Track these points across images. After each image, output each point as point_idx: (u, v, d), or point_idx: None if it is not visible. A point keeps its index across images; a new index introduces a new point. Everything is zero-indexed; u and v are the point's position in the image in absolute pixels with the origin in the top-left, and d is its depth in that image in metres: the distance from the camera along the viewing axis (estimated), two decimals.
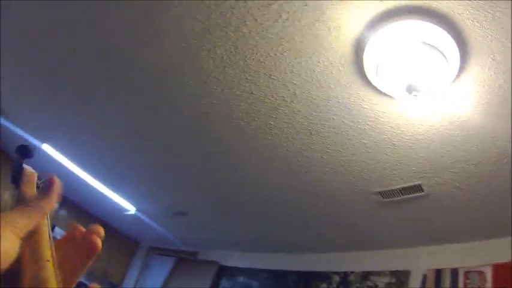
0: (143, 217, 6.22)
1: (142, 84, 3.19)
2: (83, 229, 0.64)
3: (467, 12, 2.00)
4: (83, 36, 2.85)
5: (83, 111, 3.85)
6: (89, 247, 0.70)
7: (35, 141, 4.56)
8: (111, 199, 5.72)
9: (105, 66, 3.11)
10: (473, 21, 2.04)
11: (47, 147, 4.66)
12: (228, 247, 6.61)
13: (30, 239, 0.60)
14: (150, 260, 7.47)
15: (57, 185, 0.66)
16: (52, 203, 0.63)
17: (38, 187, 0.76)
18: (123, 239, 7.53)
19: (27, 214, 0.59)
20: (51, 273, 0.59)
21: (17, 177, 0.82)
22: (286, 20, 2.27)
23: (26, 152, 0.85)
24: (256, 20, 2.32)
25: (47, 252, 0.62)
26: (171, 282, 6.80)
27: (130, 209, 5.97)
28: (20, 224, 0.57)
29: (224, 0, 2.24)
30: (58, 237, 0.88)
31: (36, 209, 0.61)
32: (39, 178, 0.83)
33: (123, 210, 6.04)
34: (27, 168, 0.81)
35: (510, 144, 2.78)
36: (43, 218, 0.63)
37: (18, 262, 0.56)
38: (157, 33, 2.61)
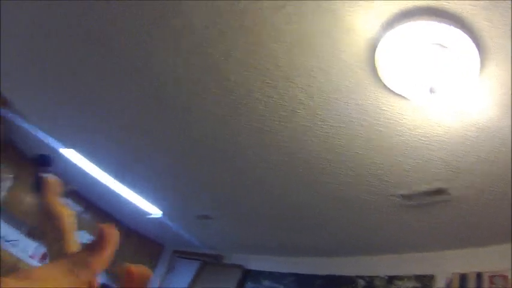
0: (168, 220, 6.25)
1: (161, 88, 3.22)
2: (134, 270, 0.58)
3: (480, 13, 1.98)
4: (97, 40, 2.90)
5: (106, 114, 3.90)
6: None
7: (58, 145, 4.63)
8: (135, 203, 5.77)
9: (126, 70, 3.16)
10: (489, 22, 2.02)
11: (70, 152, 4.72)
12: (253, 251, 6.61)
13: (56, 246, 0.59)
14: (175, 264, 7.51)
15: (110, 236, 0.59)
16: (104, 260, 0.57)
17: (66, 193, 0.78)
18: (148, 243, 7.60)
19: (73, 274, 0.53)
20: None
21: (37, 185, 0.84)
22: (300, 22, 2.28)
23: (45, 161, 0.86)
24: (271, 23, 2.33)
25: None
26: (196, 285, 6.83)
27: (155, 212, 6.01)
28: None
29: (237, 3, 2.24)
30: (84, 240, 0.88)
31: (84, 268, 0.54)
32: (65, 184, 0.84)
33: (147, 213, 6.09)
34: (50, 177, 0.82)
35: None
36: (91, 277, 0.56)
37: None
38: (173, 36, 2.64)
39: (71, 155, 4.75)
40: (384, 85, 2.52)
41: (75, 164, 4.85)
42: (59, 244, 0.76)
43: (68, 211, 0.87)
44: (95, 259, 0.55)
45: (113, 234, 0.58)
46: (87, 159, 4.88)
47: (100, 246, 0.56)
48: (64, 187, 0.91)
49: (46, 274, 0.48)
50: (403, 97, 2.57)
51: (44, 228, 0.85)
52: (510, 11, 1.93)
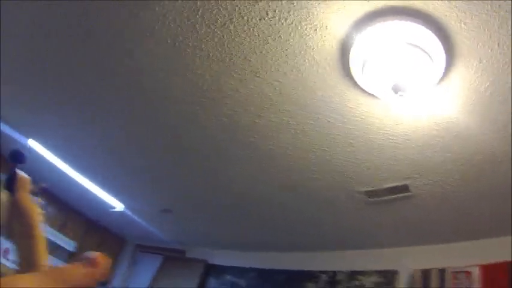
0: (130, 214, 6.19)
1: (127, 81, 3.17)
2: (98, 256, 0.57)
3: (454, 14, 2.01)
4: (69, 34, 2.84)
5: (70, 107, 3.83)
6: None
7: (21, 138, 4.53)
8: (98, 196, 5.70)
9: (91, 63, 3.09)
10: (460, 23, 2.05)
11: (33, 143, 4.63)
12: (216, 245, 6.60)
13: (25, 242, 0.58)
14: (137, 258, 7.45)
15: (103, 265, 0.59)
16: (91, 280, 0.57)
17: (33, 192, 0.76)
18: (110, 236, 7.50)
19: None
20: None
21: (11, 183, 0.82)
22: (273, 18, 2.27)
23: (18, 157, 0.84)
24: (242, 17, 2.32)
25: (44, 257, 0.60)
26: (159, 280, 6.78)
27: (118, 206, 5.95)
28: None
29: None
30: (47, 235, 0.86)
31: (65, 281, 0.53)
32: (33, 183, 0.82)
33: (110, 207, 6.01)
34: (21, 173, 0.80)
35: (496, 146, 2.80)
36: None
37: None
38: (143, 30, 2.60)
39: (34, 146, 4.65)
40: (354, 83, 2.54)
41: (39, 156, 4.75)
42: (27, 241, 0.75)
43: (37, 208, 0.86)
44: (86, 280, 0.55)
45: (107, 263, 0.59)
46: (50, 151, 4.79)
47: (94, 270, 0.57)
48: (35, 185, 0.90)
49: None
50: (372, 96, 2.59)
51: (12, 224, 0.84)
52: (484, 13, 1.96)
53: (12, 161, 0.90)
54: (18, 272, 0.61)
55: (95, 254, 0.61)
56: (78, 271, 0.57)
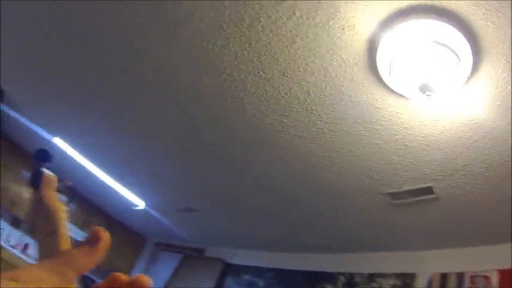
0: (152, 212, 6.23)
1: (155, 80, 3.20)
2: (125, 278, 0.57)
3: (481, 13, 1.99)
4: (96, 31, 2.87)
5: (94, 105, 3.88)
6: None
7: (46, 135, 4.58)
8: (120, 193, 5.74)
9: (119, 61, 3.13)
10: (486, 22, 2.04)
11: (58, 141, 4.69)
12: (235, 245, 6.60)
13: (49, 240, 0.59)
14: (157, 256, 7.49)
15: (104, 239, 0.58)
16: (91, 260, 0.56)
17: (59, 190, 0.78)
18: (131, 234, 7.56)
19: (57, 273, 0.52)
20: None
21: (37, 180, 0.83)
22: (300, 17, 2.28)
23: (45, 156, 0.85)
24: (270, 16, 2.33)
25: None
26: (177, 278, 6.81)
27: (139, 204, 5.99)
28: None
29: None
30: (70, 233, 0.88)
31: (68, 266, 0.54)
32: (59, 181, 0.84)
33: (131, 205, 6.06)
34: (47, 172, 0.81)
35: None
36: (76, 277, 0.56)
37: None
38: (171, 29, 2.62)
39: (59, 144, 4.71)
40: (381, 83, 2.53)
41: (63, 153, 4.81)
42: (50, 238, 0.76)
43: (62, 206, 0.87)
44: (86, 260, 0.54)
45: (106, 238, 0.57)
46: (74, 149, 4.84)
47: (92, 248, 0.56)
48: (60, 183, 0.91)
49: (34, 276, 0.47)
50: (400, 95, 2.58)
51: (37, 222, 0.85)
52: (507, 11, 1.95)
53: (38, 160, 0.91)
54: None
55: (95, 229, 0.61)
56: (80, 253, 0.57)
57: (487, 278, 3.76)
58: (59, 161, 0.89)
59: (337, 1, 2.13)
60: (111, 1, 2.57)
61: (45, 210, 0.81)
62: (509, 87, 2.36)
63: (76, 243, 0.60)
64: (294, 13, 2.26)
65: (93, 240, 0.56)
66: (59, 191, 0.86)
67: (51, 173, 0.89)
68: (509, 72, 2.27)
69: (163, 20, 2.57)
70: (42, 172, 0.88)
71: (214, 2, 2.33)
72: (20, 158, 5.52)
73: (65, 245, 0.65)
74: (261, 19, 2.36)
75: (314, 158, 3.54)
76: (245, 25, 2.43)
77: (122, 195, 5.78)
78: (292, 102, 2.96)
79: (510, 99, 2.43)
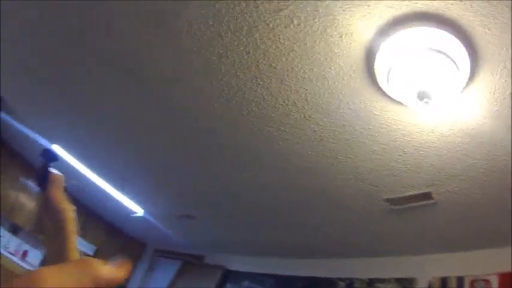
0: (150, 219, 6.23)
1: (152, 87, 3.21)
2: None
3: (478, 19, 1.99)
4: (93, 38, 2.89)
5: (92, 113, 3.88)
6: None
7: (44, 142, 4.58)
8: (119, 201, 5.74)
9: (116, 69, 3.14)
10: (484, 28, 2.03)
11: (56, 148, 4.69)
12: (234, 251, 6.61)
13: (56, 239, 0.60)
14: (156, 263, 7.48)
15: (128, 267, 0.60)
16: (113, 279, 0.58)
17: (66, 189, 0.78)
18: (130, 241, 7.56)
19: (76, 277, 0.53)
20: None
21: (44, 180, 0.83)
22: (298, 25, 2.28)
23: (51, 155, 0.85)
24: (267, 24, 2.33)
25: (76, 254, 0.62)
26: (176, 285, 6.81)
27: (138, 211, 5.99)
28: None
29: (236, 4, 2.25)
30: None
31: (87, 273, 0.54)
32: (67, 180, 0.84)
33: (130, 212, 6.06)
34: (54, 171, 0.81)
35: None
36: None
37: None
38: (169, 37, 2.63)
39: (57, 151, 4.72)
40: (379, 90, 2.54)
41: (62, 161, 4.81)
42: (58, 238, 0.76)
43: (70, 206, 0.87)
44: (107, 274, 0.55)
45: (129, 267, 0.59)
46: (73, 156, 4.84)
47: (117, 268, 0.57)
48: (67, 182, 0.91)
49: (57, 280, 0.48)
50: (398, 103, 2.58)
51: (44, 222, 0.85)
52: (510, 18, 1.95)
53: (44, 159, 0.91)
54: None
55: (125, 260, 0.62)
56: (105, 267, 0.58)
57: (487, 281, 3.77)
58: (57, 168, 0.89)
59: (335, 9, 2.13)
60: (112, 10, 2.58)
61: (53, 210, 0.81)
62: (507, 93, 2.36)
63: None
64: (292, 21, 2.26)
65: (119, 264, 0.57)
66: (66, 190, 0.86)
67: (58, 172, 0.89)
68: (507, 78, 2.28)
69: (162, 29, 2.58)
70: (50, 171, 0.88)
71: (212, 11, 2.33)
72: (18, 165, 5.51)
73: (73, 244, 0.66)
74: (259, 27, 2.36)
75: (313, 165, 3.54)
76: (243, 33, 2.43)
77: (121, 203, 5.78)
78: (290, 110, 2.97)
79: (508, 105, 2.44)
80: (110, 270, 0.55)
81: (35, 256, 5.93)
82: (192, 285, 6.64)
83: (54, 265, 0.50)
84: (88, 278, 0.51)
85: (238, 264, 6.45)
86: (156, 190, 5.33)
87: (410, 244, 4.47)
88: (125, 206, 5.87)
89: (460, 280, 3.98)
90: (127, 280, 7.31)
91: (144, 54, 2.88)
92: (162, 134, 3.85)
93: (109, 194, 5.57)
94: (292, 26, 2.30)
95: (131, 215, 6.17)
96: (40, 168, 0.90)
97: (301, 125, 3.10)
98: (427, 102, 2.28)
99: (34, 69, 3.40)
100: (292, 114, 3.00)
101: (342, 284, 5.08)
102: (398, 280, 4.56)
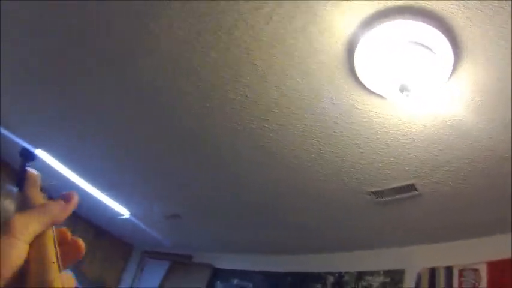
0: (137, 221, 6.21)
1: (135, 89, 3.20)
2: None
3: (460, 11, 2.00)
4: (74, 40, 2.86)
5: (76, 116, 3.86)
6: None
7: (28, 147, 4.55)
8: (105, 203, 5.71)
9: (98, 71, 3.12)
10: (466, 20, 2.04)
11: (40, 153, 4.66)
12: (222, 249, 6.61)
13: (36, 240, 0.62)
14: (145, 264, 7.46)
15: (75, 200, 0.70)
16: (65, 212, 0.67)
17: (41, 189, 0.78)
18: (118, 243, 7.53)
19: (38, 219, 0.62)
20: (56, 274, 0.60)
21: (22, 180, 0.83)
22: (278, 22, 2.28)
23: (28, 155, 0.86)
24: (247, 22, 2.33)
25: (53, 254, 0.63)
26: (166, 285, 6.80)
27: (124, 213, 5.96)
28: (30, 230, 0.60)
29: (216, 3, 2.25)
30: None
31: (46, 214, 0.64)
32: (44, 179, 0.84)
33: (117, 214, 6.03)
34: (31, 170, 0.82)
35: (504, 143, 2.79)
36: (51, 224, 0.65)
37: (24, 262, 0.58)
38: (149, 37, 2.61)
39: (41, 155, 4.68)
40: (360, 84, 2.54)
41: (47, 165, 4.78)
42: (36, 237, 0.77)
43: None
44: (60, 213, 0.64)
45: (76, 200, 0.68)
46: (58, 160, 4.81)
47: (66, 204, 0.66)
48: (43, 182, 0.91)
49: (23, 226, 0.57)
50: (379, 96, 2.59)
51: None
52: (490, 8, 1.96)
53: (22, 159, 0.91)
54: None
55: (69, 192, 0.68)
56: (56, 205, 0.64)
57: (475, 270, 3.79)
58: (42, 173, 0.89)
59: (315, 5, 2.13)
60: (95, 14, 2.56)
61: (29, 209, 0.81)
62: (489, 84, 2.38)
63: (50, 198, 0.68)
64: (272, 19, 2.26)
65: (67, 198, 0.64)
66: (42, 189, 0.86)
67: (35, 171, 0.89)
68: (490, 69, 2.29)
69: (143, 31, 2.57)
70: (26, 170, 0.88)
71: (191, 10, 2.32)
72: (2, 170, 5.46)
73: (51, 244, 0.66)
74: (238, 25, 2.36)
75: (297, 160, 3.55)
76: (223, 31, 2.43)
77: (107, 205, 5.75)
78: (272, 107, 2.97)
79: (490, 96, 2.46)
80: (59, 208, 0.62)
81: None
82: (182, 285, 6.63)
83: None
84: (48, 219, 0.58)
85: (227, 262, 6.45)
86: (142, 191, 5.31)
87: (397, 236, 4.49)
88: (112, 209, 5.84)
89: (449, 270, 4.01)
90: (116, 281, 7.30)
91: (126, 58, 2.87)
92: (146, 134, 3.84)
93: (95, 197, 5.54)
94: (272, 23, 2.29)
95: (118, 217, 6.15)
96: (18, 168, 0.90)
97: (284, 122, 3.10)
98: (407, 95, 2.30)
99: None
100: (274, 111, 3.01)
101: (331, 278, 5.09)
102: (387, 272, 4.58)
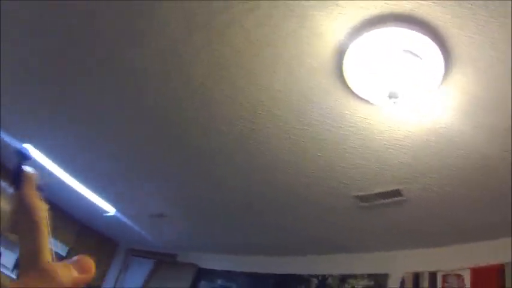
0: (122, 218, 6.18)
1: (124, 87, 3.19)
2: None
3: (451, 20, 2.03)
4: (74, 40, 2.85)
5: (63, 111, 3.84)
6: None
7: (14, 142, 4.52)
8: (90, 200, 5.68)
9: (88, 68, 3.11)
10: (457, 30, 2.07)
11: (28, 147, 4.63)
12: (207, 249, 6.59)
13: (29, 239, 0.61)
14: (129, 262, 7.42)
15: (91, 274, 0.65)
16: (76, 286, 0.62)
17: (39, 188, 0.78)
18: (102, 241, 7.47)
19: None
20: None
21: (18, 179, 0.84)
22: (269, 26, 2.29)
23: (23, 154, 0.86)
24: (240, 24, 2.34)
25: (47, 254, 0.63)
26: (150, 284, 6.76)
27: (110, 210, 5.93)
28: None
29: (209, 4, 2.26)
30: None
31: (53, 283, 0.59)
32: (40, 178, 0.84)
33: (102, 211, 6.00)
34: (27, 169, 0.82)
35: (490, 151, 2.82)
36: None
37: None
38: (141, 36, 2.62)
39: (33, 153, 4.65)
40: (349, 89, 2.56)
41: (32, 160, 4.75)
42: (31, 236, 0.77)
43: (43, 204, 0.88)
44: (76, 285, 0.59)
45: (93, 271, 0.63)
46: (44, 155, 4.78)
47: (81, 277, 0.61)
48: (39, 180, 0.91)
49: None
50: (367, 101, 2.61)
51: (17, 220, 0.86)
52: (481, 19, 1.98)
53: (17, 158, 0.91)
54: (19, 272, 0.63)
55: (88, 260, 0.64)
56: (70, 274, 0.61)
57: (459, 276, 3.82)
58: (31, 167, 0.89)
59: (307, 9, 2.14)
60: (95, 14, 2.56)
61: (25, 209, 0.81)
62: (479, 93, 2.41)
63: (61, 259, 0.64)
64: (264, 22, 2.28)
65: (83, 270, 0.60)
66: (39, 189, 0.86)
67: (32, 170, 0.89)
68: (479, 78, 2.32)
69: (136, 30, 2.57)
70: (22, 170, 0.88)
71: (184, 11, 2.33)
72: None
73: (46, 244, 0.67)
74: (231, 27, 2.37)
75: (283, 163, 3.57)
76: (214, 33, 2.44)
77: (92, 202, 5.72)
78: (261, 109, 2.98)
79: (478, 104, 2.49)
80: (75, 276, 0.58)
81: (8, 258, 5.82)
82: (166, 284, 6.60)
83: (19, 281, 0.52)
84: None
85: (212, 262, 6.43)
86: (128, 189, 5.29)
87: (382, 240, 4.51)
88: (97, 205, 5.81)
89: (433, 275, 4.03)
90: (100, 278, 7.27)
91: (118, 57, 2.88)
92: (133, 134, 3.83)
93: (80, 193, 5.51)
94: (263, 26, 2.31)
95: (103, 214, 6.12)
96: (14, 167, 0.90)
97: (272, 124, 3.12)
98: (395, 102, 2.32)
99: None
100: (262, 113, 3.02)
101: (315, 280, 5.11)
102: (371, 276, 4.60)
